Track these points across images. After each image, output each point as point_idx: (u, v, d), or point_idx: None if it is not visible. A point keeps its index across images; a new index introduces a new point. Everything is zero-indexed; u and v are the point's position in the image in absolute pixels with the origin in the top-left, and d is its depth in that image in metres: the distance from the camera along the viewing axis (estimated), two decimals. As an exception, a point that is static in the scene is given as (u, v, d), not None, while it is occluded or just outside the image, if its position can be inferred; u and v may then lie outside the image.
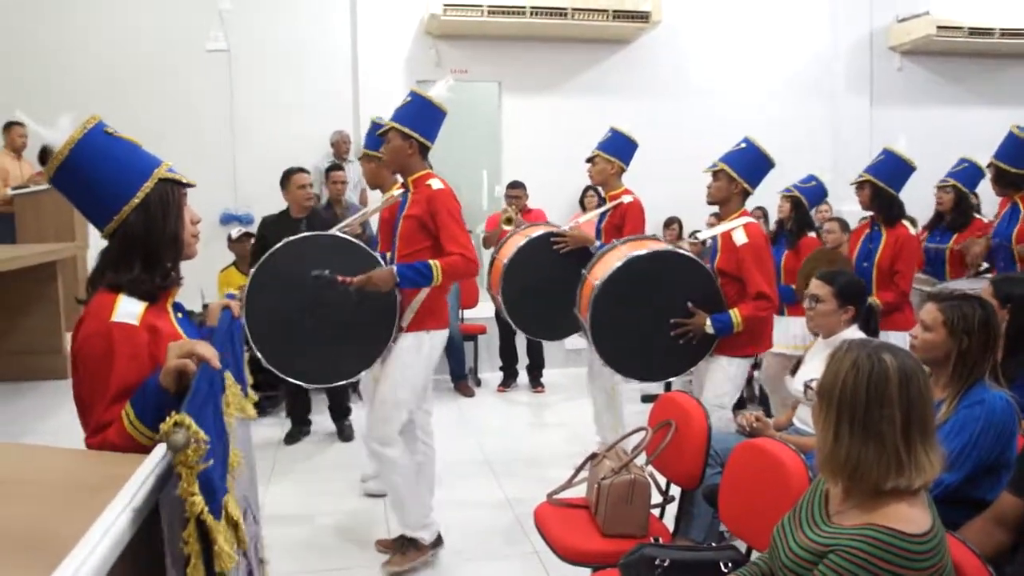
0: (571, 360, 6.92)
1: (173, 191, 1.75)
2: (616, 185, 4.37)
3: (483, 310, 6.81)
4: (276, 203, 5.40)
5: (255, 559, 1.54)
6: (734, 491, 2.46)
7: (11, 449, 1.59)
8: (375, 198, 5.22)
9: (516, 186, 6.56)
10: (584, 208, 7.38)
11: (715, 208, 3.82)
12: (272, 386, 5.61)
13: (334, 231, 3.54)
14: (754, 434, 2.98)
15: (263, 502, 3.88)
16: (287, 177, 4.90)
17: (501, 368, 6.70)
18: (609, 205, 4.37)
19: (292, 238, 3.39)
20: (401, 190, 3.60)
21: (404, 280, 3.26)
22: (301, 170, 4.96)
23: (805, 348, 3.48)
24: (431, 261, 3.27)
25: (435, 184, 3.36)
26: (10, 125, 6.64)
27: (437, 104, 3.39)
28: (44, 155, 6.35)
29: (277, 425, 5.57)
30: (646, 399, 5.90)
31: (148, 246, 1.71)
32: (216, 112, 7.42)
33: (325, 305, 3.34)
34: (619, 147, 4.38)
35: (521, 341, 6.56)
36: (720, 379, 3.58)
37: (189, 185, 1.80)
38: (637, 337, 3.59)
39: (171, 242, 1.75)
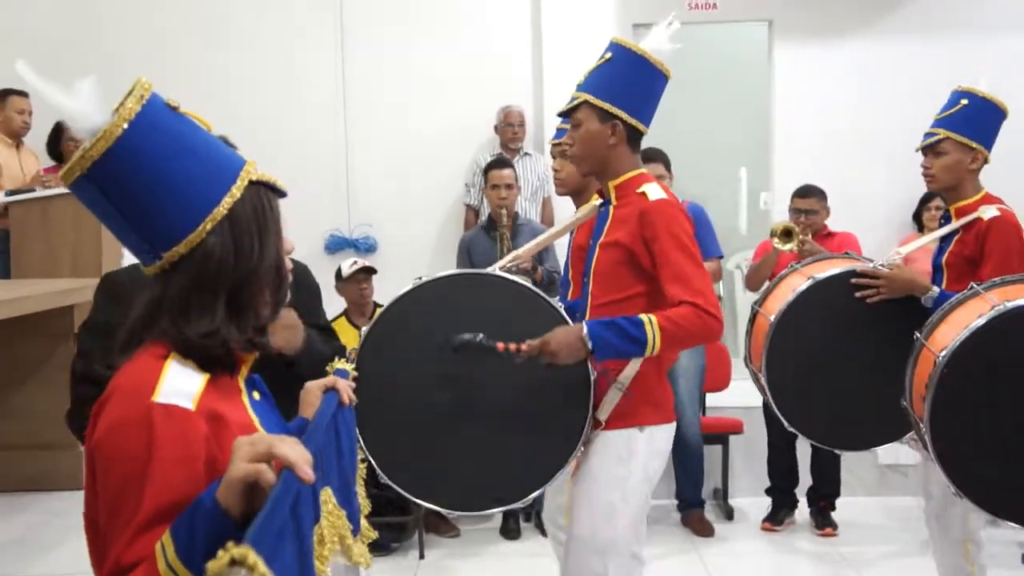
0: (889, 483, 6.72)
1: (269, 200, 1.82)
2: (970, 190, 4.18)
3: (738, 395, 6.65)
4: (407, 218, 5.47)
5: None
6: None
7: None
8: (564, 212, 5.20)
9: (809, 193, 6.36)
10: (922, 228, 7.14)
11: None
12: (399, 507, 5.66)
13: (494, 269, 3.55)
14: None
15: None
16: None
17: (769, 490, 6.48)
18: (956, 224, 4.17)
19: (423, 281, 3.42)
20: (600, 202, 3.61)
21: (600, 345, 3.21)
22: None
23: None
24: (644, 316, 3.20)
25: (652, 192, 3.33)
26: (4, 96, 6.91)
27: (652, 62, 3.37)
28: (57, 140, 6.78)
29: (406, 569, 5.65)
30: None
31: (239, 281, 1.75)
32: (318, 80, 7.75)
33: (473, 384, 3.36)
34: (979, 122, 4.18)
35: (804, 448, 6.32)
36: None
37: (282, 193, 1.87)
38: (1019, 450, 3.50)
39: (272, 276, 1.81)
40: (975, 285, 3.71)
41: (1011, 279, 3.69)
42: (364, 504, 1.98)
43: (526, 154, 7.54)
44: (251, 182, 1.77)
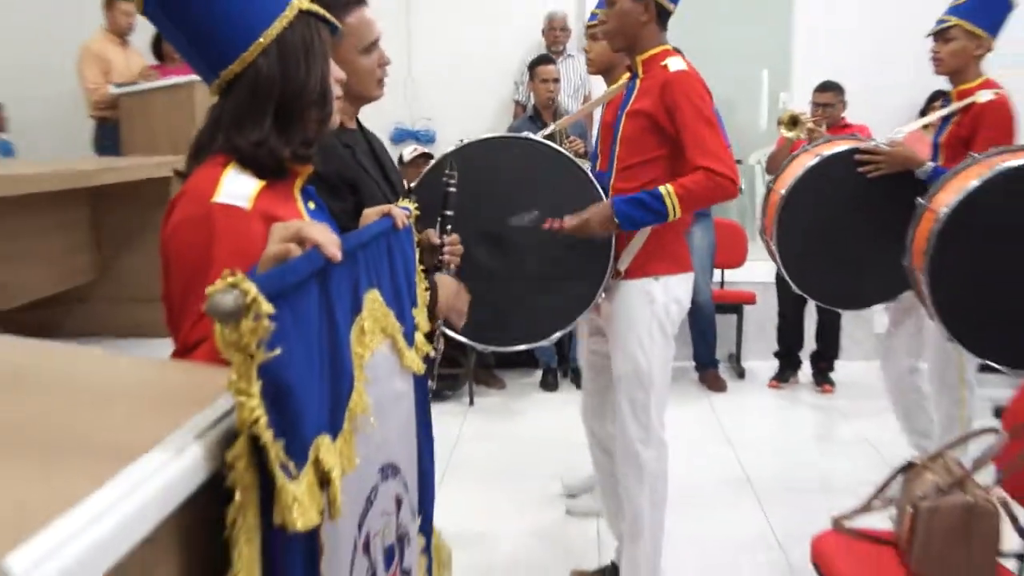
0: (880, 349, 6.64)
1: (318, 29, 1.83)
2: (972, 74, 4.14)
3: (753, 272, 6.77)
4: (463, 113, 5.46)
5: (389, 561, 1.53)
6: None
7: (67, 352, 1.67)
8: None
9: (828, 88, 6.36)
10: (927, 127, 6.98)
11: None
12: (452, 360, 5.85)
13: (531, 135, 3.61)
14: None
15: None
16: None
17: (777, 353, 6.64)
18: (954, 106, 4.14)
19: (466, 143, 3.47)
20: (628, 76, 3.60)
21: (625, 220, 3.29)
22: None
23: None
24: (662, 187, 3.26)
25: (674, 64, 3.32)
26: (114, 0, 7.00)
27: None
28: (160, 41, 6.93)
29: (457, 413, 5.89)
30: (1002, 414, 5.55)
31: (286, 99, 1.78)
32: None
33: (507, 240, 3.45)
34: (988, 11, 4.13)
35: (812, 319, 6.45)
36: None
37: (334, 26, 1.88)
38: (1017, 299, 3.48)
39: (317, 97, 1.83)
40: (974, 154, 3.70)
41: (1006, 148, 3.66)
42: (425, 323, 1.87)
43: (569, 56, 7.53)
44: (301, 11, 1.79)
